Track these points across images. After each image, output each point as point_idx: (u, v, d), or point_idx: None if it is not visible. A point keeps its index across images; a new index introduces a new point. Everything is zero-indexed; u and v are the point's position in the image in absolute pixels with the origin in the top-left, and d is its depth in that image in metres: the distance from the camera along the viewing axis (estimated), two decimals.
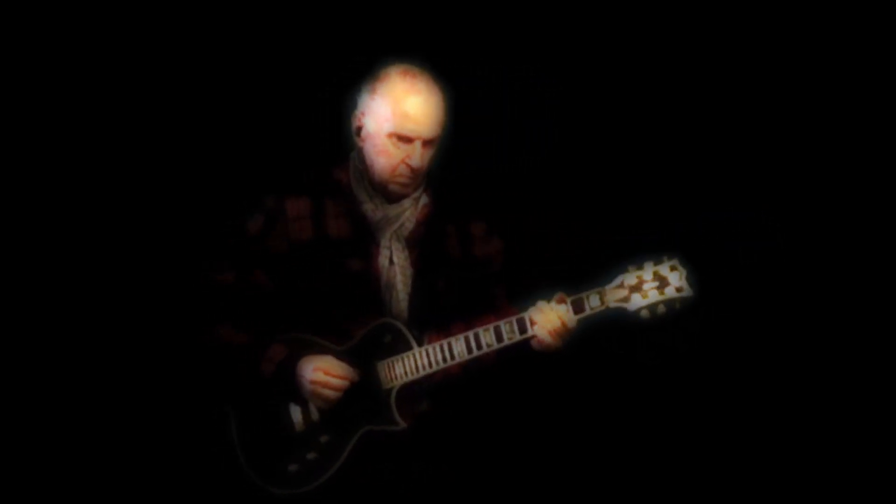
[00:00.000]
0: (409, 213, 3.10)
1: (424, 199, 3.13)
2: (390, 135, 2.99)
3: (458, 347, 2.99)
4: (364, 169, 3.08)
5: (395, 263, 3.08)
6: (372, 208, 3.08)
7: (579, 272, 3.06)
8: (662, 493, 3.80)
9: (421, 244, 3.11)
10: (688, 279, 2.92)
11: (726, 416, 3.82)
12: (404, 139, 2.99)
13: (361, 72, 3.09)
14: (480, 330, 2.98)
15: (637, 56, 3.87)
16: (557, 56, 3.85)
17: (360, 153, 3.08)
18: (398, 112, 2.97)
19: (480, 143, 3.67)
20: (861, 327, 3.77)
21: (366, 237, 3.08)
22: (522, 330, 2.97)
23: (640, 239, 3.67)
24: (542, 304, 2.96)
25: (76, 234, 3.77)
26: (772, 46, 3.80)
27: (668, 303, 2.93)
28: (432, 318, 3.07)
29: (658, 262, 2.94)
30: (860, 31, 3.73)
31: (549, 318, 2.95)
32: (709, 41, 3.82)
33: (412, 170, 3.01)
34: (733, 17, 3.80)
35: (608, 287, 2.95)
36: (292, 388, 3.02)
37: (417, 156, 2.99)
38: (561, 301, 2.95)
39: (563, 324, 2.94)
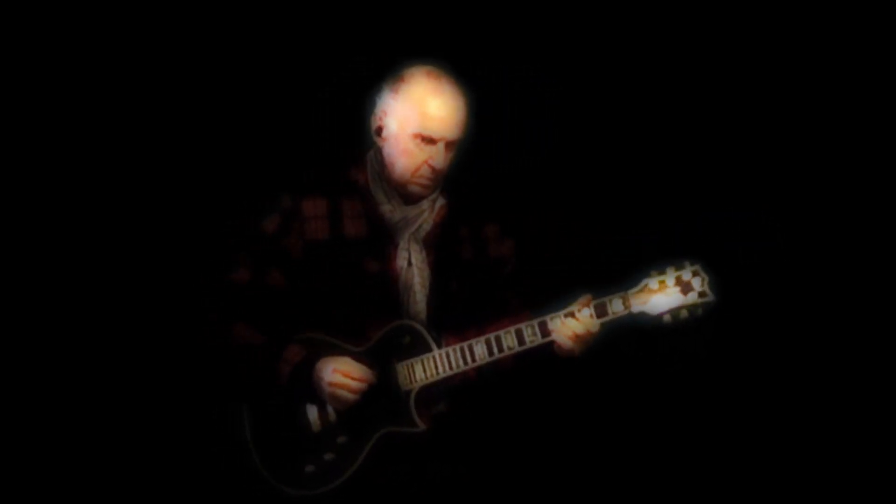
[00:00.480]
0: (427, 214, 3.09)
1: (441, 201, 3.11)
2: (415, 135, 2.97)
3: (480, 350, 2.98)
4: (382, 169, 3.06)
5: (413, 265, 3.07)
6: (390, 209, 3.06)
7: (595, 275, 3.06)
8: (679, 497, 3.81)
9: (438, 246, 3.10)
10: (710, 284, 2.94)
11: (744, 422, 3.85)
12: (428, 140, 2.97)
13: (374, 72, 3.08)
14: (502, 332, 2.97)
15: (638, 57, 3.87)
16: (562, 57, 3.85)
17: (380, 153, 3.06)
18: (423, 112, 2.96)
19: (491, 145, 3.66)
20: (873, 331, 3.80)
21: (383, 238, 3.07)
22: (545, 333, 2.96)
23: (645, 239, 3.69)
24: (564, 310, 2.95)
25: (93, 234, 3.74)
26: (772, 46, 3.82)
27: (691, 308, 2.94)
28: (450, 320, 3.06)
29: (680, 267, 2.96)
30: (860, 31, 3.75)
31: (571, 324, 2.94)
32: (709, 41, 3.82)
33: (434, 171, 2.99)
34: (733, 17, 3.81)
35: (631, 291, 2.95)
36: (309, 390, 2.99)
37: (440, 157, 2.98)
38: (585, 304, 2.95)
39: (587, 329, 2.94)
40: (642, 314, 2.95)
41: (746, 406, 3.83)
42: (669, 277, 2.94)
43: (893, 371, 3.78)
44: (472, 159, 3.11)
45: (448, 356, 2.99)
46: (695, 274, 2.94)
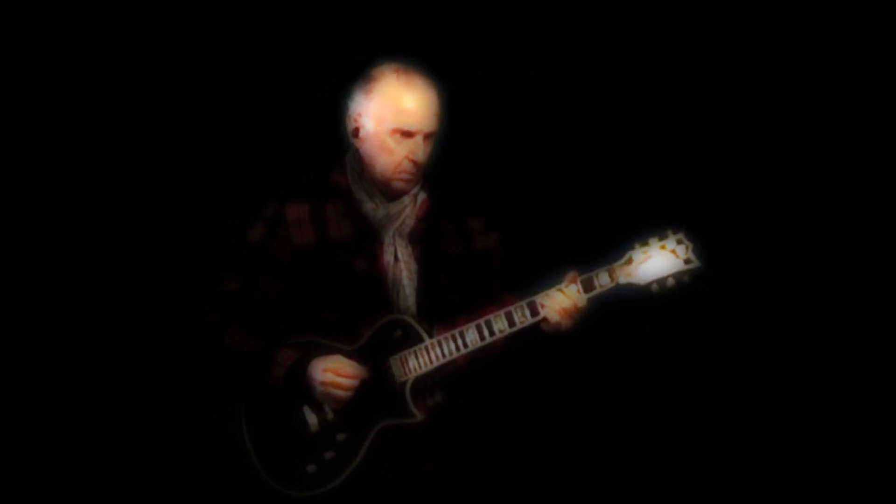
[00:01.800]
0: (410, 209, 3.12)
1: (422, 196, 3.15)
2: (393, 131, 3.01)
3: (471, 335, 2.99)
4: (363, 169, 3.10)
5: (400, 260, 3.09)
6: (373, 207, 3.10)
7: (581, 257, 3.07)
8: (675, 484, 3.79)
9: (423, 240, 3.12)
10: (695, 251, 2.95)
11: (736, 400, 3.85)
12: (406, 134, 3.01)
13: (352, 74, 3.12)
14: (492, 316, 2.99)
15: (637, 56, 3.92)
16: (557, 56, 3.89)
17: (358, 154, 3.10)
18: (398, 108, 3.00)
19: (479, 142, 3.71)
20: (863, 323, 3.80)
21: (368, 237, 3.09)
22: (534, 312, 2.98)
23: (630, 223, 3.69)
24: (552, 288, 2.97)
25: (82, 245, 3.79)
26: (772, 46, 3.85)
27: (677, 276, 2.96)
28: (439, 312, 3.07)
29: (663, 236, 2.98)
30: (860, 31, 3.79)
31: (559, 299, 2.96)
32: (708, 41, 3.86)
33: (415, 164, 3.03)
34: (733, 16, 3.86)
35: (617, 264, 2.97)
36: (304, 391, 3.00)
37: (419, 150, 3.02)
38: (572, 280, 2.96)
39: (574, 303, 2.95)
40: (629, 285, 2.97)
41: (736, 383, 3.83)
42: (653, 247, 2.96)
43: (880, 343, 3.78)
44: (456, 156, 3.15)
45: (440, 344, 3.00)
46: (679, 242, 2.97)
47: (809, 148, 3.87)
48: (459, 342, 2.99)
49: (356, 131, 3.08)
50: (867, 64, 3.80)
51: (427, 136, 3.04)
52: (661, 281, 2.95)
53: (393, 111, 3.01)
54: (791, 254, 3.85)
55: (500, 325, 2.99)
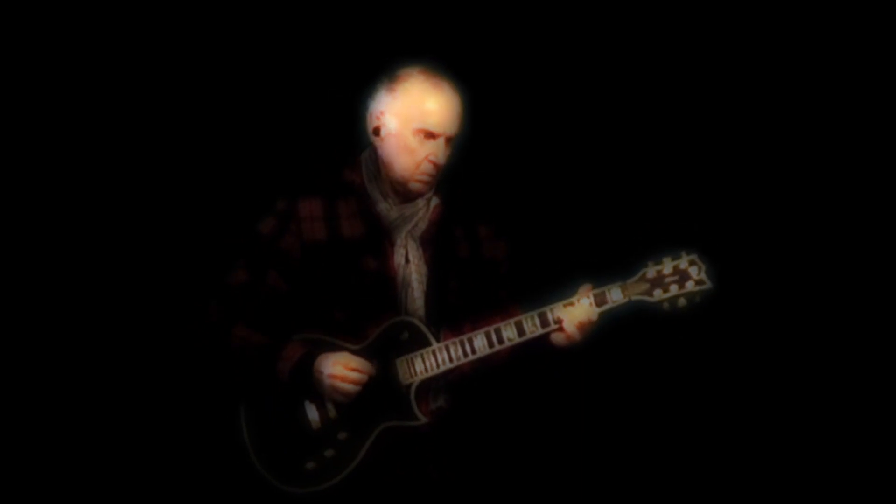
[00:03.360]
0: (423, 212, 3.12)
1: (435, 200, 3.14)
2: (417, 131, 3.01)
3: (480, 342, 3.00)
4: (380, 169, 3.09)
5: (411, 262, 3.09)
6: (387, 208, 3.09)
7: (592, 268, 3.08)
8: (677, 490, 3.81)
9: (434, 244, 3.12)
10: (707, 272, 2.97)
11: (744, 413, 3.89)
12: (430, 135, 3.01)
13: (369, 73, 3.11)
14: (502, 324, 2.99)
15: (656, 69, 3.94)
16: (573, 66, 3.92)
17: (376, 154, 3.09)
18: (424, 108, 3.00)
19: (487, 145, 3.71)
20: (867, 331, 3.84)
21: (380, 237, 3.09)
22: (544, 324, 2.99)
23: (643, 242, 3.72)
24: (564, 300, 2.99)
25: (92, 238, 3.79)
26: (772, 46, 3.89)
27: (689, 296, 2.99)
28: (447, 317, 3.07)
29: (676, 256, 3.01)
30: (860, 32, 3.83)
31: (571, 312, 2.97)
32: (709, 41, 3.89)
33: (435, 166, 3.03)
34: (734, 18, 3.89)
35: (630, 281, 3.00)
36: (309, 387, 2.99)
37: (441, 152, 3.02)
38: (584, 294, 2.98)
39: (586, 317, 2.97)
40: (641, 303, 2.98)
41: (745, 396, 3.87)
42: (667, 267, 3.00)
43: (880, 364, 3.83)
44: (465, 158, 3.15)
45: (448, 349, 3.00)
46: (691, 263, 3.00)
47: (809, 148, 3.90)
48: (467, 348, 3.00)
49: (377, 129, 3.06)
50: (867, 65, 3.84)
51: (449, 140, 3.04)
52: (672, 300, 2.98)
53: (418, 111, 3.01)
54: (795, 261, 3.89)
55: (510, 333, 2.99)
